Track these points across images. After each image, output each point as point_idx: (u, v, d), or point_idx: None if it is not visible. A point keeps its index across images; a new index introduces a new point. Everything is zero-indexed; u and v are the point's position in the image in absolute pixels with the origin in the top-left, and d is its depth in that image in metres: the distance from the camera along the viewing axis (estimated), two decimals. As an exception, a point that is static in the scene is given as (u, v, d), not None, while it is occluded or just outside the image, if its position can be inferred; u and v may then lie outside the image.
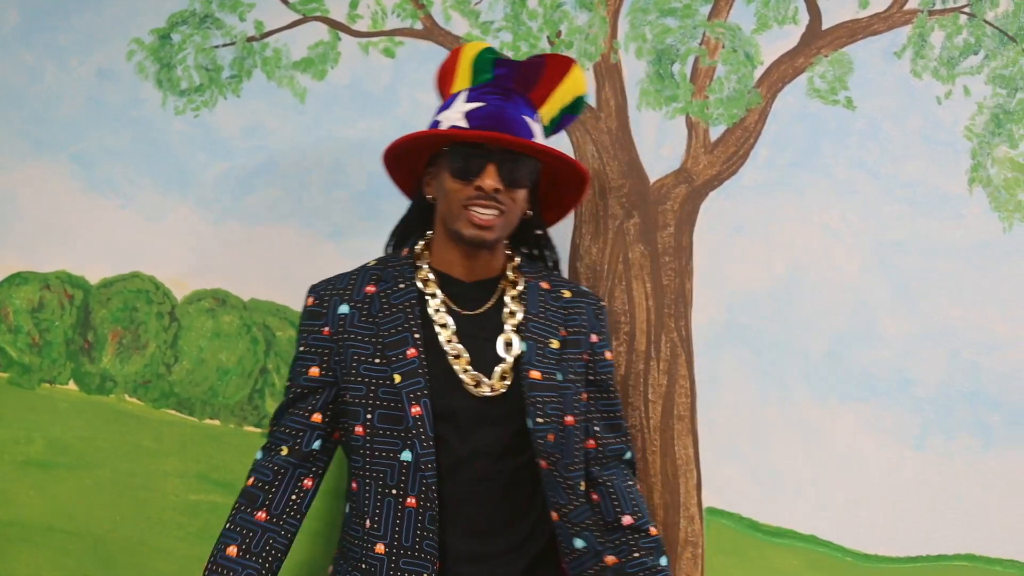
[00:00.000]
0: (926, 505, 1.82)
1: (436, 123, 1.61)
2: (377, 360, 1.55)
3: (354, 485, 1.58)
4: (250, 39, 2.06)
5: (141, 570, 2.03)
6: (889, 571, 1.83)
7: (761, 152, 1.91)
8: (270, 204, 2.04)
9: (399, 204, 1.73)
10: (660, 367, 1.92)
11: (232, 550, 1.53)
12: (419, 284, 1.60)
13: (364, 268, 1.65)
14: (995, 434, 1.81)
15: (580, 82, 1.68)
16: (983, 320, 1.82)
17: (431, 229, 1.66)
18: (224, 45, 2.07)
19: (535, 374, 1.56)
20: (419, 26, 2.02)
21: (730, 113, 1.92)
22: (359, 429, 1.55)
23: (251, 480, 1.59)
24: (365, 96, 2.02)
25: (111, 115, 2.10)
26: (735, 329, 1.90)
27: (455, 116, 1.57)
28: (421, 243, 1.66)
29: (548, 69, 1.65)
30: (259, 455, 1.62)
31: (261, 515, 1.55)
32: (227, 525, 1.56)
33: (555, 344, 1.60)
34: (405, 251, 1.66)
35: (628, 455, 1.70)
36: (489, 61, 1.64)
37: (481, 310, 1.61)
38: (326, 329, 1.59)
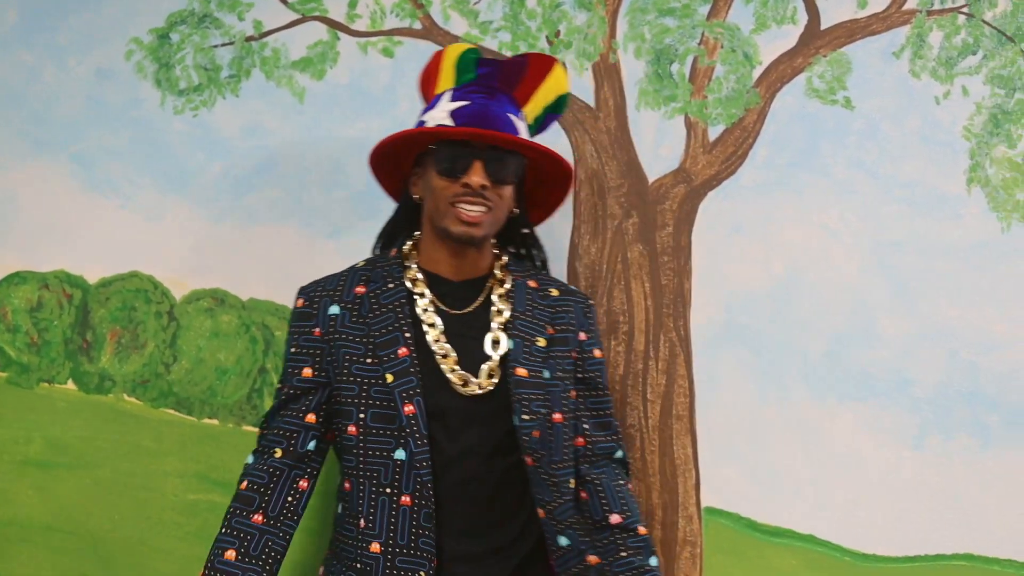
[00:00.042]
0: (924, 505, 1.82)
1: (422, 123, 1.62)
2: (369, 360, 1.55)
3: (347, 485, 1.58)
4: (249, 39, 2.06)
5: (140, 570, 2.03)
6: (887, 571, 1.83)
7: (760, 152, 1.91)
8: (269, 204, 2.04)
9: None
10: (659, 367, 1.92)
11: (230, 554, 1.51)
12: (408, 284, 1.61)
13: (353, 269, 1.66)
14: (993, 434, 1.81)
15: (562, 81, 1.69)
16: (981, 320, 1.82)
17: (418, 230, 1.67)
18: (223, 45, 2.07)
19: (521, 371, 1.56)
20: (418, 26, 2.02)
21: (729, 113, 1.92)
22: (352, 429, 1.55)
23: (245, 484, 1.57)
24: (364, 96, 2.02)
25: (110, 115, 2.09)
26: (734, 329, 1.90)
27: (440, 115, 1.58)
28: (409, 243, 1.67)
29: (531, 68, 1.66)
30: (250, 459, 1.61)
31: (258, 518, 1.54)
32: (222, 530, 1.54)
33: (542, 342, 1.61)
34: (393, 251, 1.67)
35: (619, 454, 1.70)
36: (472, 61, 1.65)
37: (469, 309, 1.61)
38: (317, 330, 1.59)
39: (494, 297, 1.62)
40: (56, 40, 2.12)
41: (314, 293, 1.62)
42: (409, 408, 1.51)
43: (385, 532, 1.51)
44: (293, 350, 1.61)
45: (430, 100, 1.66)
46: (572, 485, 1.63)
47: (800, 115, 1.90)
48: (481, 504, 1.55)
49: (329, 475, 1.80)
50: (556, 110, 1.71)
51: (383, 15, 2.02)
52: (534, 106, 1.67)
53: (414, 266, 1.63)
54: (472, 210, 1.53)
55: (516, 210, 1.65)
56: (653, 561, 1.61)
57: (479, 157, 1.53)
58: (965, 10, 1.85)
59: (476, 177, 1.52)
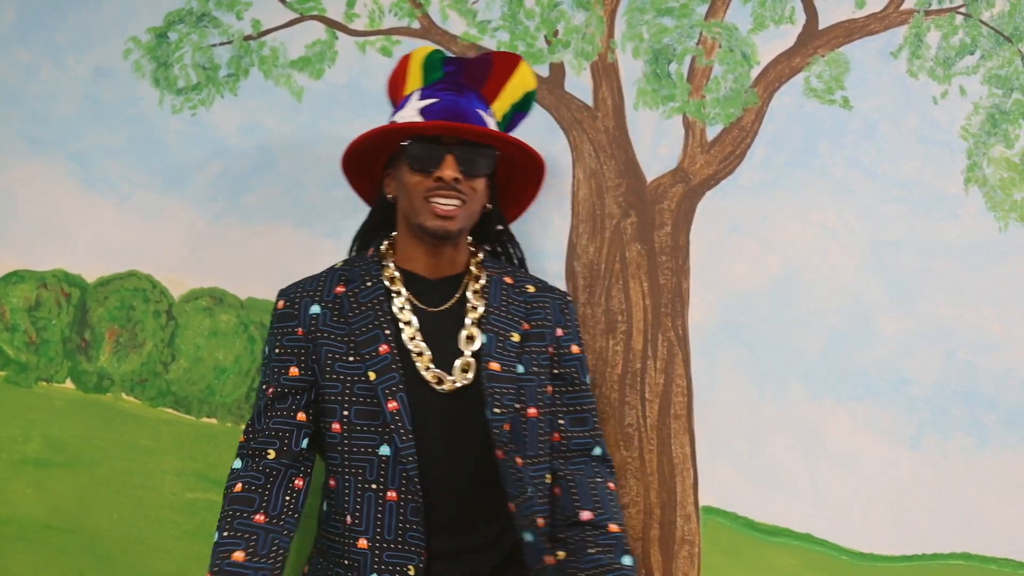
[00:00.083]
0: (922, 504, 1.83)
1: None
2: (351, 358, 1.56)
3: (332, 482, 1.59)
4: (247, 38, 2.06)
5: (139, 568, 2.03)
6: (885, 570, 1.83)
7: (758, 152, 1.91)
8: (268, 203, 2.04)
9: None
10: (657, 366, 1.92)
11: (239, 555, 1.48)
12: (386, 282, 1.62)
13: (332, 270, 1.67)
14: (990, 433, 1.81)
15: (528, 77, 1.72)
16: (979, 320, 1.83)
17: (394, 230, 1.68)
18: (221, 44, 2.07)
19: (494, 366, 1.57)
20: (416, 25, 2.02)
21: (727, 113, 1.92)
22: (336, 426, 1.56)
23: (239, 486, 1.56)
24: (362, 95, 2.02)
25: (108, 114, 2.10)
26: (732, 328, 1.90)
27: (410, 114, 1.60)
28: (386, 243, 1.68)
29: (496, 65, 1.69)
30: (239, 463, 1.59)
31: (260, 518, 1.53)
32: (224, 533, 1.52)
33: (516, 337, 1.61)
34: (371, 251, 1.68)
35: (597, 451, 1.69)
36: (438, 61, 1.68)
37: (446, 306, 1.62)
38: (299, 329, 1.60)
39: (469, 294, 1.63)
40: (54, 39, 2.12)
41: (294, 294, 1.63)
42: (393, 404, 1.52)
43: (372, 528, 1.52)
44: (277, 351, 1.61)
45: (399, 102, 1.68)
46: (548, 481, 1.63)
47: (798, 115, 1.90)
48: (464, 500, 1.56)
49: (313, 473, 1.80)
50: (524, 108, 1.74)
51: (381, 14, 2.03)
52: (502, 103, 1.69)
53: (391, 265, 1.64)
54: (446, 203, 1.54)
55: (489, 205, 1.66)
56: (626, 560, 1.59)
57: (451, 151, 1.55)
58: (963, 10, 1.86)
59: (449, 171, 1.53)
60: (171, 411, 2.05)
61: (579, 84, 1.97)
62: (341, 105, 2.02)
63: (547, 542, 1.59)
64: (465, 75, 1.67)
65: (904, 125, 1.87)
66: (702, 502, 1.89)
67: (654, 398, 1.92)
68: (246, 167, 2.05)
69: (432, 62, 1.68)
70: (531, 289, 1.69)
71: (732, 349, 1.90)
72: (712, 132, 1.93)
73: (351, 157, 1.67)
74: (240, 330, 2.04)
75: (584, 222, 1.96)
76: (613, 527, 1.61)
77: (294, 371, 1.60)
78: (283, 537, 1.54)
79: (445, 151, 1.54)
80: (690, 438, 1.91)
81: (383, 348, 1.55)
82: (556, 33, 1.98)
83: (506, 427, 1.55)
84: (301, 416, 1.59)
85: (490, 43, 1.99)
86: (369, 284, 1.61)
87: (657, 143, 1.94)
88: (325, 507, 1.63)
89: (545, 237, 1.97)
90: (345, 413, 1.55)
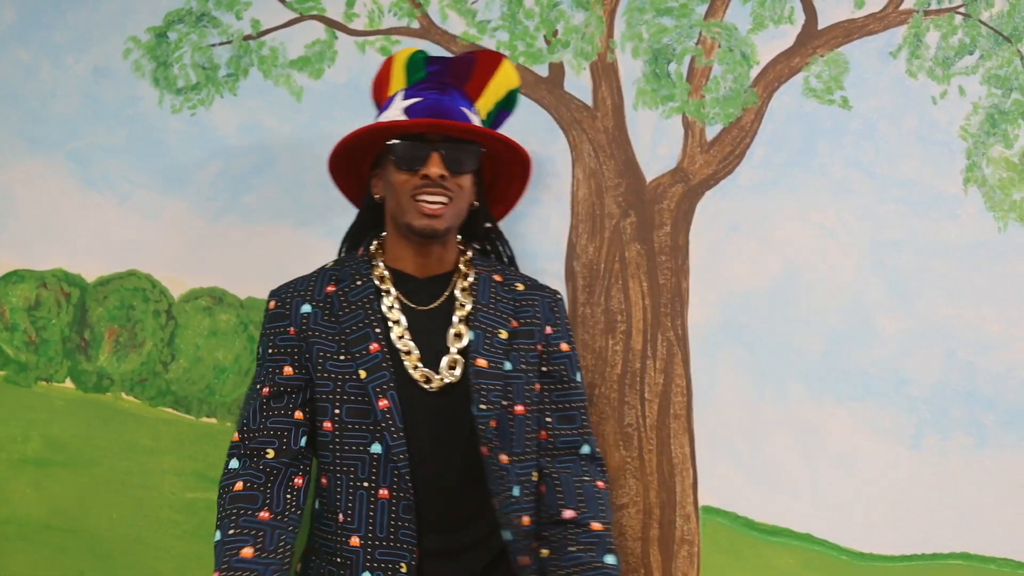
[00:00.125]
0: (921, 504, 1.83)
1: None
2: (342, 357, 1.57)
3: (324, 480, 1.59)
4: (247, 37, 2.06)
5: (138, 568, 2.03)
6: (884, 570, 1.83)
7: (757, 151, 1.91)
8: (267, 202, 2.04)
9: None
10: (656, 366, 1.92)
11: (247, 552, 1.47)
12: (376, 281, 1.62)
13: (322, 270, 1.68)
14: (990, 433, 1.81)
15: (511, 76, 1.73)
16: (978, 320, 1.83)
17: (382, 230, 1.69)
18: (221, 43, 2.07)
19: (481, 362, 1.57)
20: (416, 25, 2.02)
21: (726, 113, 1.92)
22: (328, 425, 1.57)
23: (240, 484, 1.55)
24: (362, 95, 2.01)
25: (107, 113, 2.10)
26: (731, 328, 1.90)
27: (395, 114, 1.60)
28: (375, 243, 1.68)
29: (479, 64, 1.70)
30: (236, 464, 1.58)
31: (264, 515, 1.53)
32: (229, 531, 1.51)
33: (504, 334, 1.62)
34: (360, 251, 1.69)
35: (585, 449, 1.68)
36: (421, 61, 1.69)
37: (435, 305, 1.63)
38: (292, 329, 1.60)
39: (457, 292, 1.64)
40: (53, 38, 2.12)
41: (285, 295, 1.64)
42: (383, 402, 1.52)
43: (364, 526, 1.53)
44: (270, 351, 1.62)
45: (383, 105, 1.69)
46: (535, 479, 1.63)
47: (797, 115, 1.90)
48: (451, 498, 1.56)
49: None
50: (508, 105, 1.75)
51: (381, 14, 2.03)
52: (486, 101, 1.70)
53: (381, 264, 1.64)
54: (433, 201, 1.55)
55: (476, 203, 1.67)
56: (609, 559, 1.58)
57: (436, 149, 1.55)
58: (962, 10, 1.86)
59: (435, 168, 1.54)
60: (171, 411, 2.05)
61: (578, 84, 1.97)
62: (341, 105, 2.02)
63: (532, 540, 1.60)
64: (448, 74, 1.67)
65: (903, 125, 1.87)
66: (702, 502, 1.90)
67: (653, 398, 1.92)
68: (246, 167, 2.05)
69: (415, 62, 1.69)
70: (520, 287, 1.69)
71: (732, 349, 1.90)
72: (711, 132, 1.93)
73: (338, 158, 1.67)
74: (240, 330, 2.04)
75: (583, 222, 1.97)
76: (595, 525, 1.61)
77: (288, 370, 1.60)
78: (289, 533, 1.54)
79: (430, 149, 1.55)
80: (690, 438, 1.91)
81: (373, 346, 1.56)
82: (555, 33, 1.98)
83: (492, 424, 1.56)
84: (298, 414, 1.59)
85: (490, 43, 1.99)
86: (359, 283, 1.62)
87: (656, 143, 1.94)
88: (317, 505, 1.63)
89: (544, 237, 1.97)
90: (336, 411, 1.56)
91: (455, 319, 1.60)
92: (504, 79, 1.71)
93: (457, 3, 2.00)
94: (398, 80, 1.69)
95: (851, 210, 1.88)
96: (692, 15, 1.94)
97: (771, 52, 1.91)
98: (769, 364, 1.89)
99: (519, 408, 1.60)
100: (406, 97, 1.62)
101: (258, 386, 1.61)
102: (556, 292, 1.73)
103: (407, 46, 1.82)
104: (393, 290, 1.61)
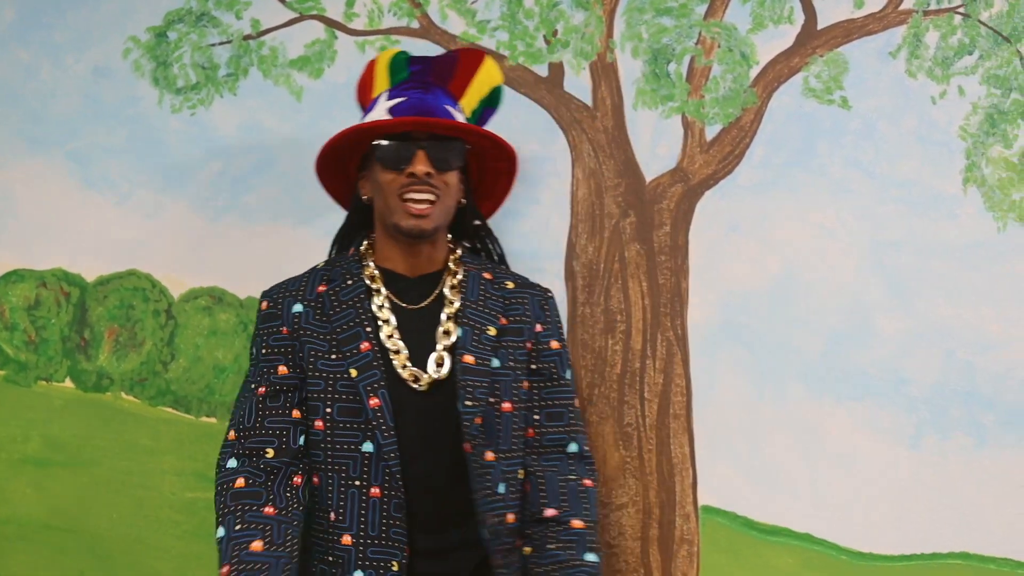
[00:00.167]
0: (921, 504, 1.83)
1: None
2: (333, 356, 1.57)
3: (315, 479, 1.59)
4: (246, 37, 2.06)
5: (138, 568, 2.03)
6: (884, 570, 1.83)
7: (757, 151, 1.91)
8: (267, 202, 2.04)
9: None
10: (656, 366, 1.92)
11: (257, 545, 1.47)
12: (366, 280, 1.63)
13: (314, 270, 1.68)
14: (989, 433, 1.81)
15: (494, 73, 1.74)
16: (978, 320, 1.83)
17: (372, 231, 1.69)
18: (220, 43, 2.07)
19: (469, 359, 1.58)
20: (415, 25, 2.02)
21: (726, 112, 1.92)
22: (319, 423, 1.57)
23: (241, 481, 1.54)
24: (362, 95, 2.02)
25: (107, 113, 2.10)
26: (731, 328, 1.90)
27: (379, 114, 1.61)
28: (365, 243, 1.69)
29: (461, 62, 1.71)
30: (233, 463, 1.57)
31: (269, 510, 1.52)
32: (235, 526, 1.49)
33: (492, 331, 1.62)
34: (351, 251, 1.69)
35: (573, 447, 1.68)
36: (403, 61, 1.70)
37: (424, 304, 1.63)
38: (284, 328, 1.61)
39: (446, 289, 1.64)
40: (53, 38, 2.12)
41: (277, 295, 1.64)
42: (374, 401, 1.53)
43: (356, 524, 1.53)
44: (264, 351, 1.62)
45: (368, 107, 1.70)
46: (521, 476, 1.64)
47: (797, 115, 1.90)
48: (440, 497, 1.56)
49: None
50: (492, 103, 1.75)
51: (381, 14, 2.03)
52: (469, 99, 1.71)
53: (371, 264, 1.65)
54: (420, 199, 1.55)
55: (463, 200, 1.67)
56: (589, 557, 1.58)
57: (421, 146, 1.56)
58: (961, 10, 1.86)
59: (420, 166, 1.55)
60: (171, 410, 2.06)
61: (578, 84, 1.97)
62: (340, 105, 2.02)
63: (517, 538, 1.61)
64: (431, 73, 1.68)
65: (903, 125, 1.87)
66: (701, 502, 1.90)
67: (653, 398, 1.92)
68: (246, 167, 2.06)
69: (397, 63, 1.70)
70: (510, 285, 1.69)
71: (731, 349, 1.90)
72: (711, 132, 1.93)
73: (325, 161, 1.68)
74: (239, 329, 2.04)
75: (583, 222, 1.97)
76: (576, 523, 1.60)
77: (283, 369, 1.60)
78: (294, 528, 1.53)
79: (415, 147, 1.56)
80: (689, 438, 1.91)
81: (364, 345, 1.56)
82: (555, 33, 1.98)
83: (477, 420, 1.56)
84: (296, 413, 1.60)
85: (489, 43, 1.99)
86: (350, 283, 1.62)
87: (656, 143, 1.94)
88: (309, 504, 1.63)
89: (544, 237, 1.97)
90: (328, 410, 1.56)
91: (443, 316, 1.61)
92: (487, 76, 1.72)
93: (457, 3, 2.00)
94: (381, 81, 1.70)
95: (850, 210, 1.88)
96: (692, 15, 1.94)
97: (771, 52, 1.91)
98: (769, 364, 1.89)
99: (506, 405, 1.60)
100: (390, 97, 1.63)
101: (253, 386, 1.61)
102: (547, 290, 1.74)
103: (407, 47, 1.83)
104: (383, 289, 1.62)
